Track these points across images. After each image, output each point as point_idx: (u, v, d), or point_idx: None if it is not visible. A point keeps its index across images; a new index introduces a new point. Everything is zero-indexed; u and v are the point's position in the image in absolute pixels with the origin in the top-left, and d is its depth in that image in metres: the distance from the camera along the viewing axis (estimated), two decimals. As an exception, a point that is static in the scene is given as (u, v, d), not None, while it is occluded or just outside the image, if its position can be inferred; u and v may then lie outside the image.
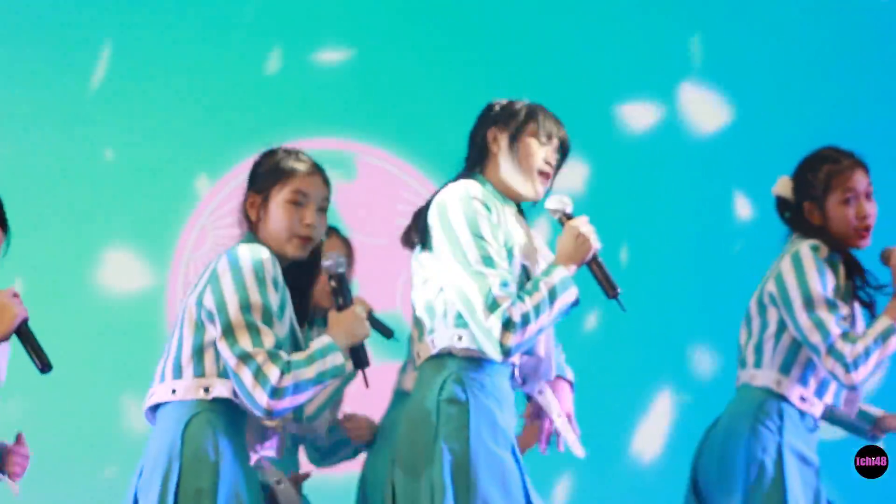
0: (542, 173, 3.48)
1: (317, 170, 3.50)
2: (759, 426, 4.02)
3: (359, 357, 3.41)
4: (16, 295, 3.57)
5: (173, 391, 3.39)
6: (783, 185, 4.08)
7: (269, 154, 3.50)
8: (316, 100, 5.93)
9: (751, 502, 4.04)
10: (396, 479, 3.42)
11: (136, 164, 5.74)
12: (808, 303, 3.94)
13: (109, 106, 5.78)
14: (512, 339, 3.34)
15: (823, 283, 3.99)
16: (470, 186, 3.43)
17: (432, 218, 3.44)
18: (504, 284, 3.34)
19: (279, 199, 3.44)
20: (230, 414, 3.39)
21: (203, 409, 3.36)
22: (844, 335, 3.90)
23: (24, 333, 3.50)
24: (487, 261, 3.37)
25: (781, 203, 4.13)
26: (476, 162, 3.54)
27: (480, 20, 6.11)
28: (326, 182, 3.49)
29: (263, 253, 3.40)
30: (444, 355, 3.43)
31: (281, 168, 3.48)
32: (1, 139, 5.68)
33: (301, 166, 3.48)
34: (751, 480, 4.05)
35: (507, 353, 3.35)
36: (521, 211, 3.63)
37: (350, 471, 5.01)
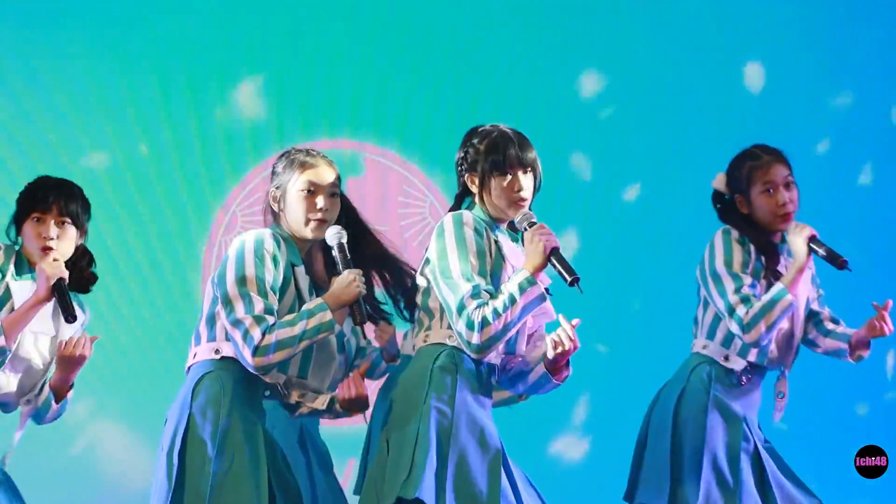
0: (515, 201, 3.66)
1: (325, 161, 3.67)
2: (689, 386, 4.24)
3: (354, 314, 3.58)
4: (56, 259, 3.82)
5: (195, 355, 3.62)
6: (719, 181, 4.28)
7: (285, 153, 3.70)
8: (331, 106, 6.14)
9: (678, 450, 4.24)
10: (390, 431, 3.59)
11: (174, 160, 5.94)
12: (715, 277, 4.16)
13: (150, 108, 5.96)
14: (475, 337, 3.49)
15: (729, 260, 4.20)
16: (464, 215, 3.62)
17: (433, 238, 3.64)
18: (474, 293, 3.50)
19: (294, 190, 3.63)
20: (238, 371, 3.56)
21: (214, 368, 3.56)
22: (744, 300, 4.10)
23: (58, 290, 3.76)
24: (466, 275, 3.53)
25: (716, 196, 4.32)
26: (465, 197, 3.76)
27: (468, 41, 6.31)
28: (334, 169, 3.68)
29: (265, 235, 3.57)
30: (439, 343, 3.63)
31: (294, 164, 3.66)
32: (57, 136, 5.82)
33: (310, 160, 3.65)
34: (679, 431, 4.23)
35: (475, 349, 3.53)
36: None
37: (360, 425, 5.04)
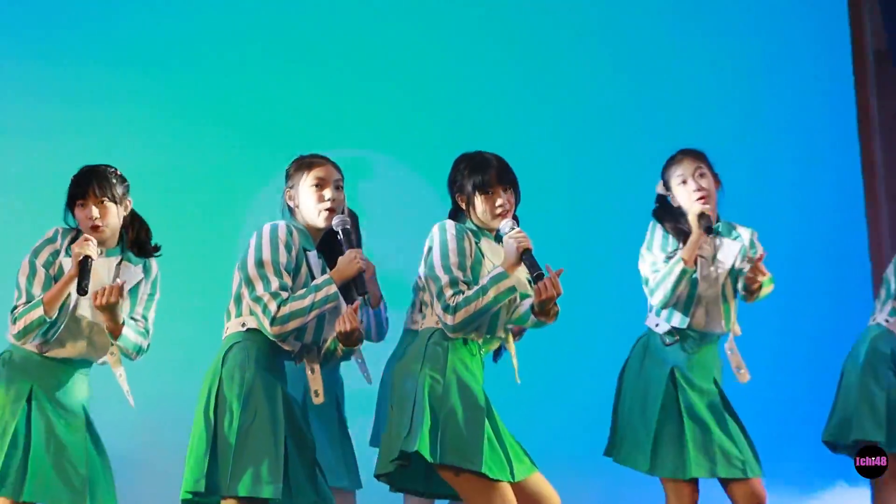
0: (498, 214, 3.82)
1: (329, 161, 3.84)
2: (630, 356, 4.54)
3: (355, 287, 3.73)
4: (87, 239, 3.93)
5: (227, 329, 3.76)
6: (660, 185, 4.52)
7: (296, 159, 3.88)
8: (348, 120, 6.39)
9: (618, 413, 4.52)
10: (395, 396, 3.81)
11: (214, 166, 6.18)
12: (640, 257, 4.49)
13: (198, 121, 6.20)
14: (450, 319, 3.70)
15: (650, 244, 4.46)
16: (447, 223, 3.82)
17: (427, 242, 3.82)
18: (452, 283, 3.70)
19: (305, 186, 3.79)
20: (261, 340, 3.69)
21: (241, 339, 3.70)
22: (654, 272, 4.39)
23: (80, 265, 3.87)
24: (446, 269, 3.72)
25: (658, 198, 4.53)
26: (459, 213, 3.92)
27: (461, 65, 6.60)
28: (337, 168, 3.84)
29: (278, 225, 3.70)
30: (430, 327, 3.82)
31: (303, 165, 3.83)
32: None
33: (317, 160, 3.83)
34: (621, 397, 4.53)
35: (450, 329, 3.72)
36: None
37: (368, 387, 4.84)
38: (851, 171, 6.90)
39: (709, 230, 4.31)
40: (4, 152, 6.05)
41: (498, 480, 3.64)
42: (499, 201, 3.82)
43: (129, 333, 3.99)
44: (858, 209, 6.89)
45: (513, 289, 3.72)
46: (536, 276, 3.68)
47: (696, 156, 4.47)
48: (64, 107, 6.12)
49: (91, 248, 3.90)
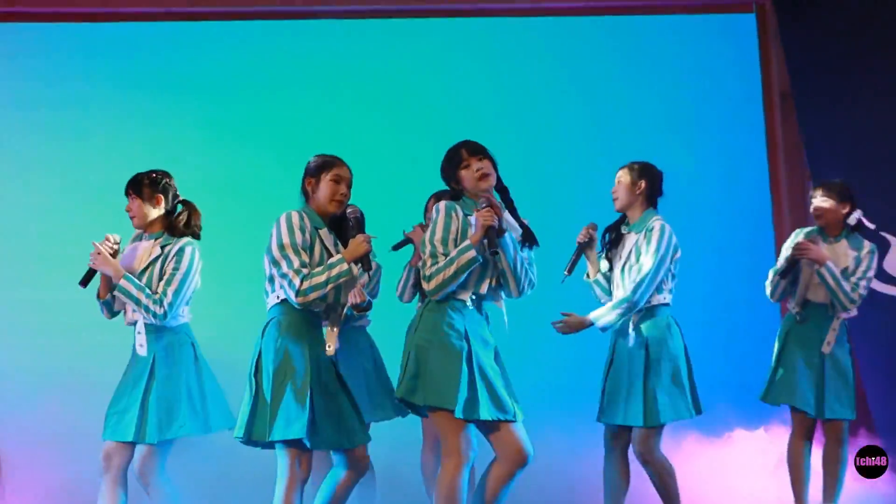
0: (480, 178, 4.12)
1: (345, 164, 4.22)
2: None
3: (364, 264, 4.02)
4: (104, 241, 4.43)
5: (268, 304, 4.16)
6: None
7: (317, 156, 4.21)
8: (352, 135, 6.97)
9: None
10: (403, 352, 4.22)
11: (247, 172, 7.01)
12: None
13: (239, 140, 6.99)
14: (426, 286, 4.03)
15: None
16: (442, 204, 4.10)
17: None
18: (431, 255, 3.97)
19: (326, 179, 4.14)
20: (294, 312, 4.03)
21: (277, 312, 4.05)
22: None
23: (90, 268, 4.40)
24: (431, 243, 4.00)
25: None
26: (455, 195, 4.23)
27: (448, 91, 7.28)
28: (350, 170, 4.22)
29: (292, 213, 4.01)
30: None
31: (326, 161, 4.17)
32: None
33: (336, 160, 4.20)
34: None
35: (428, 293, 4.03)
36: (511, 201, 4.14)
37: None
38: (761, 185, 7.37)
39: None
40: (90, 159, 7.00)
41: (465, 420, 4.00)
42: (476, 166, 4.11)
43: (129, 287, 4.32)
44: (766, 217, 7.35)
45: (475, 259, 3.97)
46: (492, 253, 3.95)
47: (623, 167, 4.92)
48: (140, 126, 7.07)
49: (103, 246, 4.42)
